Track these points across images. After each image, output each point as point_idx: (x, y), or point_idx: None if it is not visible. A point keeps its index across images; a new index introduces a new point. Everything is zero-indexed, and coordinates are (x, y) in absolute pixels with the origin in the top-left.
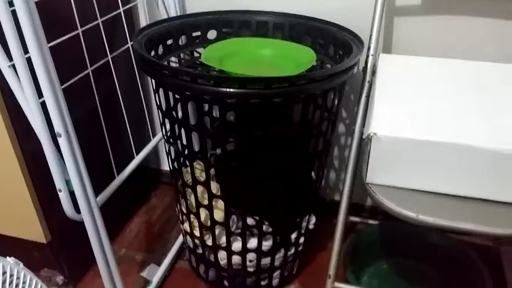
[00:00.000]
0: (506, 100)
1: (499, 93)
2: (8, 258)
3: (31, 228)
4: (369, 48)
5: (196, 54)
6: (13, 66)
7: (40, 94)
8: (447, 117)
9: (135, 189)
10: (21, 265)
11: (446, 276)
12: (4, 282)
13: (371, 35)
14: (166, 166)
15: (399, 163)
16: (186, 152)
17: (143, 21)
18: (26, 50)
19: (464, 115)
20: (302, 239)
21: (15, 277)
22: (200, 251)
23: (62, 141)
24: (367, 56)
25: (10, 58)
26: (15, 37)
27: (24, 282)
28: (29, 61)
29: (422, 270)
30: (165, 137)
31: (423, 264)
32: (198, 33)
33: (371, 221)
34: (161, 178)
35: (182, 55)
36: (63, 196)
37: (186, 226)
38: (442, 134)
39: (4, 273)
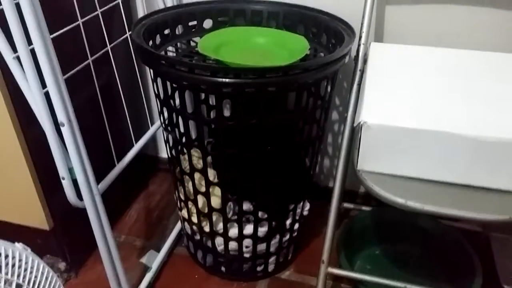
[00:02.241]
0: (494, 88)
1: (488, 81)
2: (16, 243)
3: (34, 215)
4: (360, 37)
5: (192, 43)
6: (18, 57)
7: (43, 84)
8: (435, 106)
9: (133, 176)
10: (29, 250)
11: (437, 260)
12: (13, 266)
13: (362, 24)
14: (164, 153)
15: (389, 151)
16: (183, 139)
17: (141, 11)
18: (29, 42)
19: (453, 104)
20: (296, 225)
21: (23, 261)
22: (197, 237)
23: (65, 130)
24: (359, 45)
25: (14, 49)
26: (19, 30)
27: (32, 267)
28: (32, 52)
29: (413, 255)
30: (163, 125)
31: (415, 249)
32: (194, 22)
33: (364, 208)
34: (159, 165)
35: (179, 44)
36: (66, 184)
37: (184, 212)
38: (430, 122)
39: (13, 257)
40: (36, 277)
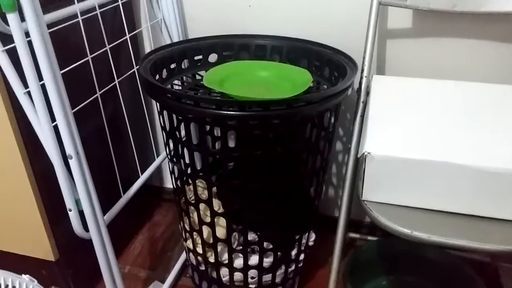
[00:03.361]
0: (496, 119)
1: (489, 112)
2: (23, 275)
3: (40, 246)
4: (362, 70)
5: (198, 77)
6: (28, 92)
7: (52, 118)
8: (438, 137)
9: (138, 206)
10: (36, 282)
11: None
12: None
13: (364, 57)
14: (168, 183)
15: (393, 181)
16: (189, 170)
17: (148, 46)
18: (40, 77)
19: (455, 135)
20: (302, 256)
21: None
22: (202, 268)
23: (72, 163)
24: (361, 78)
25: (25, 85)
26: (31, 66)
27: None
28: (42, 87)
29: (421, 286)
30: (169, 156)
31: (422, 280)
32: (200, 56)
33: (370, 238)
34: (163, 195)
35: (184, 78)
36: (73, 215)
37: (189, 243)
38: (432, 153)
39: None
40: None
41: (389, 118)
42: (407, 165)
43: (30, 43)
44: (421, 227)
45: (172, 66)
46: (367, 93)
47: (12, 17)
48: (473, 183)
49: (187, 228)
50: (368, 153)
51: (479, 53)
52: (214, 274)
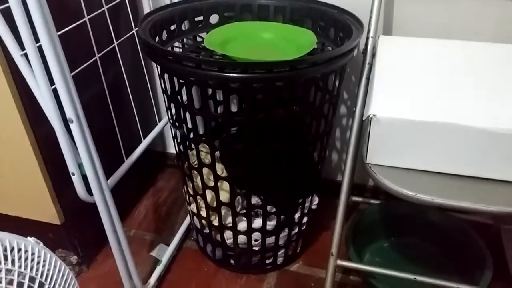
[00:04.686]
0: (503, 80)
1: (497, 73)
2: (28, 237)
3: (45, 210)
4: (369, 31)
5: (199, 39)
6: (25, 55)
7: (51, 81)
8: (445, 98)
9: (142, 172)
10: (41, 244)
11: (447, 254)
12: (26, 259)
13: (370, 17)
14: (171, 149)
15: (398, 144)
16: (191, 135)
17: (147, 7)
18: (36, 39)
19: (462, 96)
20: (305, 219)
21: (36, 255)
22: (207, 231)
23: (73, 127)
24: (367, 38)
25: (22, 47)
26: (26, 27)
27: (44, 261)
28: (39, 49)
29: (423, 248)
30: (171, 121)
31: (424, 242)
32: (201, 17)
33: (373, 201)
34: (167, 160)
35: (185, 40)
36: (76, 179)
37: (193, 207)
38: (439, 115)
39: (25, 251)
40: (49, 270)
41: (395, 80)
42: (413, 127)
43: (25, 4)
44: (425, 190)
45: (172, 27)
46: (373, 55)
47: None
48: (479, 145)
49: (191, 192)
50: (374, 115)
51: (488, 12)
52: (218, 237)
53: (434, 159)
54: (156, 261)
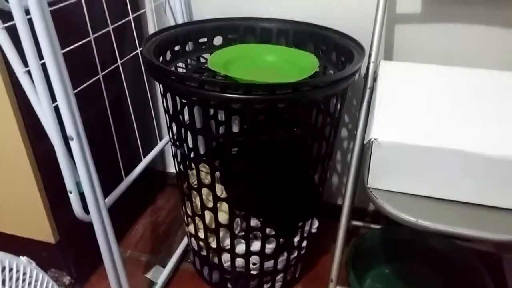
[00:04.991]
0: (504, 107)
1: (498, 100)
2: (21, 257)
3: (40, 228)
4: (370, 55)
5: (202, 60)
6: (28, 72)
7: (53, 98)
8: (446, 123)
9: (141, 191)
10: (34, 264)
11: (448, 281)
12: (17, 279)
13: (372, 42)
14: (171, 168)
15: (399, 168)
16: (192, 155)
17: (151, 28)
18: (40, 56)
19: (463, 122)
20: (305, 243)
21: (27, 275)
22: (204, 253)
23: (73, 144)
24: (368, 63)
25: (25, 64)
26: (31, 44)
27: (36, 281)
28: (43, 66)
29: (424, 274)
30: (172, 140)
31: (425, 269)
32: (205, 39)
33: (373, 226)
34: (166, 180)
35: (189, 60)
36: (73, 198)
37: (191, 228)
38: (440, 140)
39: (17, 271)
40: None
41: (397, 105)
42: (414, 151)
43: (30, 22)
44: (426, 216)
45: (176, 48)
46: (374, 79)
47: None
48: (481, 171)
49: (189, 213)
50: (375, 139)
51: (489, 39)
52: (216, 260)
53: (435, 185)
54: (152, 284)
